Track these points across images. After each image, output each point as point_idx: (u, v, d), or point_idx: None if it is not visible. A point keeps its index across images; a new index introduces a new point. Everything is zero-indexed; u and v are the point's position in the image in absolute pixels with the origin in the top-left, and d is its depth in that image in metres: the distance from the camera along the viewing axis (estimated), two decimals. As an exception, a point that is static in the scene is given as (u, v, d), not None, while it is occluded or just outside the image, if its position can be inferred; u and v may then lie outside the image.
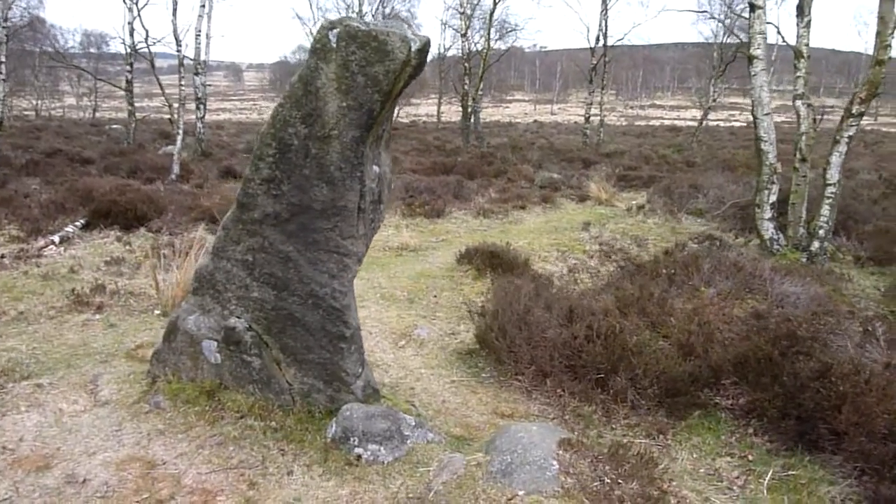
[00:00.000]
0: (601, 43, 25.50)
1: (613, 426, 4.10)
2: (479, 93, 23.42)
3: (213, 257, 3.74)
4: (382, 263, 8.42)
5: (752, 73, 7.89)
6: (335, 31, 3.02)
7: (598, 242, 9.60)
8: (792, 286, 5.50)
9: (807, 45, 8.06)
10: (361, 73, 3.00)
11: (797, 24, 8.11)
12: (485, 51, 22.94)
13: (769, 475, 3.44)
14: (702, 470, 3.62)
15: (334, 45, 3.03)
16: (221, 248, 3.68)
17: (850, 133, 7.32)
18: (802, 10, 8.09)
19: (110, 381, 4.21)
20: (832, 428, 3.27)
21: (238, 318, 3.77)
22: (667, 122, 60.23)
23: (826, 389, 3.30)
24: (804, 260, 7.35)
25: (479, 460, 3.41)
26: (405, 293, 7.03)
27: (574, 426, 4.13)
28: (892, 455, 2.98)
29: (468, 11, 24.99)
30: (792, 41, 8.29)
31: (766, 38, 7.79)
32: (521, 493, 3.13)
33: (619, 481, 3.23)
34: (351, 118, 3.09)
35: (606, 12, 24.90)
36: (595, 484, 3.21)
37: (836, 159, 7.37)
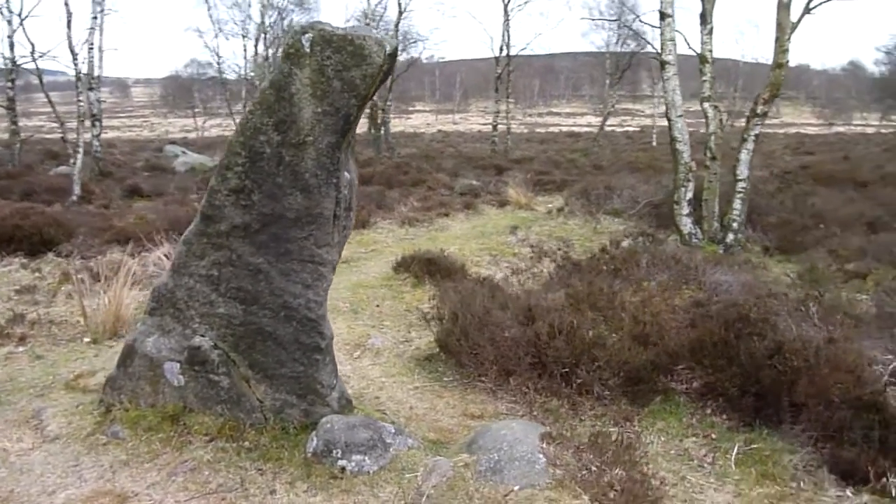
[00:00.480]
0: (504, 53, 26.20)
1: (581, 418, 4.22)
2: (388, 103, 23.45)
3: (174, 274, 3.56)
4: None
5: (665, 78, 8.40)
6: (308, 35, 2.97)
7: (527, 245, 9.86)
8: (723, 275, 5.88)
9: (710, 50, 8.67)
10: (337, 78, 2.97)
11: (701, 32, 8.72)
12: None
13: (735, 450, 3.66)
14: (672, 451, 3.80)
15: (307, 50, 2.98)
16: (183, 264, 3.51)
17: (756, 132, 7.95)
18: (705, 19, 8.70)
19: (56, 415, 3.90)
20: (790, 401, 3.53)
21: (202, 336, 3.60)
22: (564, 129, 62.30)
23: (782, 365, 3.56)
24: (721, 251, 7.88)
25: (465, 461, 3.42)
26: (347, 304, 6.92)
27: (544, 421, 4.21)
28: (848, 420, 3.25)
29: (373, 23, 24.99)
30: (696, 48, 8.90)
31: (675, 45, 8.34)
32: (515, 487, 3.18)
33: (605, 468, 3.34)
34: (326, 123, 3.04)
35: (508, 23, 25.66)
36: (583, 473, 3.30)
37: (744, 156, 7.96)
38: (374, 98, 23.46)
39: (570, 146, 34.57)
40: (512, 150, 27.97)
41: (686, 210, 8.51)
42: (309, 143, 3.06)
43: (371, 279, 8.02)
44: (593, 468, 3.34)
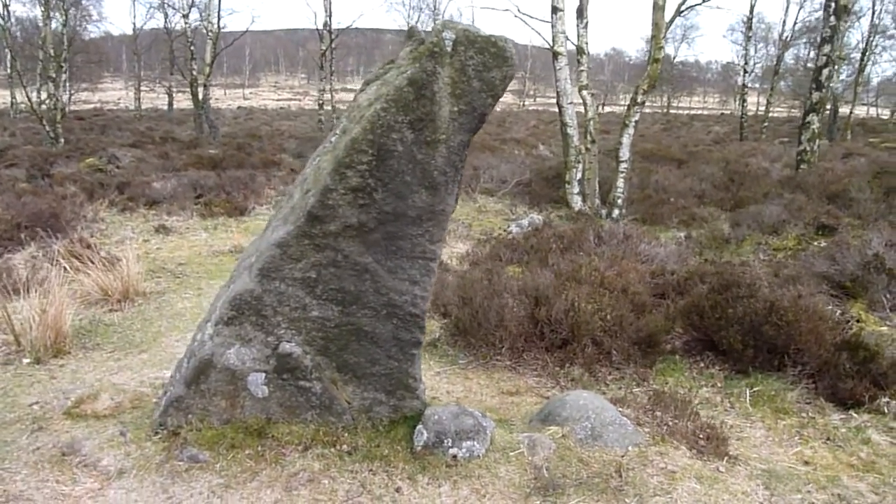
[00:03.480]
0: (327, 27, 25.67)
1: (606, 382, 4.70)
2: (209, 78, 21.85)
3: (261, 279, 3.33)
4: (230, 269, 7.77)
5: (557, 68, 9.13)
6: (450, 34, 2.98)
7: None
8: (649, 247, 6.71)
9: (587, 43, 9.56)
10: (478, 78, 3.02)
11: (577, 26, 9.56)
12: (214, 33, 21.40)
13: (746, 395, 4.38)
14: (696, 401, 4.42)
15: (449, 49, 2.99)
16: (275, 268, 3.31)
17: (636, 118, 9.00)
18: (582, 14, 9.55)
19: (101, 447, 3.46)
20: (788, 348, 4.32)
21: (288, 342, 3.44)
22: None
23: (779, 320, 4.33)
24: (608, 225, 8.87)
25: (560, 432, 3.71)
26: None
27: (571, 390, 4.63)
28: (844, 360, 4.10)
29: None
30: (572, 40, 9.77)
31: (566, 37, 9.08)
32: (619, 449, 3.55)
33: (677, 421, 3.85)
34: (461, 122, 3.08)
35: (330, -1, 25.14)
36: (664, 428, 3.78)
37: (626, 140, 8.99)
38: (194, 73, 21.78)
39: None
40: (337, 129, 27.62)
41: (577, 189, 9.40)
42: (442, 140, 3.08)
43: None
44: (669, 422, 3.83)
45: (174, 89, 34.58)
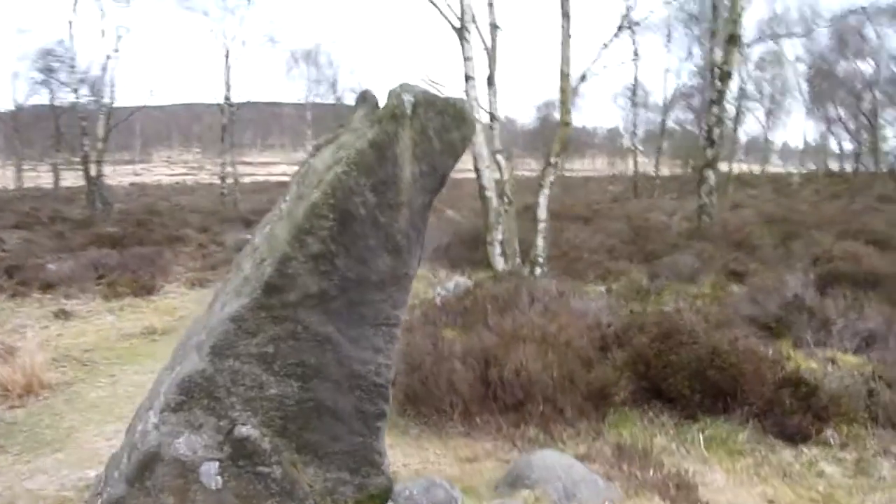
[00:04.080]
0: (227, 100, 25.40)
1: (563, 440, 4.64)
2: (103, 154, 20.87)
3: (213, 358, 3.08)
4: (146, 353, 7.23)
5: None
6: (409, 97, 2.97)
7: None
8: (579, 303, 6.86)
9: (496, 109, 9.95)
10: (438, 139, 3.01)
11: (489, 93, 9.95)
12: (107, 107, 20.61)
13: (700, 440, 4.46)
14: (654, 449, 4.45)
15: (409, 112, 2.97)
16: (228, 344, 3.07)
17: (551, 178, 9.35)
18: (491, 81, 9.97)
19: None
20: (733, 390, 4.46)
21: (243, 424, 3.17)
22: (261, 178, 61.01)
23: (723, 363, 4.48)
24: (540, 283, 9.04)
25: (533, 496, 3.60)
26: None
27: (533, 451, 4.54)
28: (787, 396, 4.27)
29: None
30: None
31: (479, 104, 9.39)
32: (597, 508, 3.48)
33: (643, 471, 3.84)
34: (423, 183, 3.04)
35: (230, 70, 25.00)
36: (634, 480, 3.75)
37: (542, 200, 9.29)
38: (86, 149, 20.82)
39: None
40: (241, 202, 27.05)
41: (498, 249, 9.56)
42: (404, 202, 3.02)
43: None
44: (637, 474, 3.81)
45: (60, 167, 32.76)
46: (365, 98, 3.28)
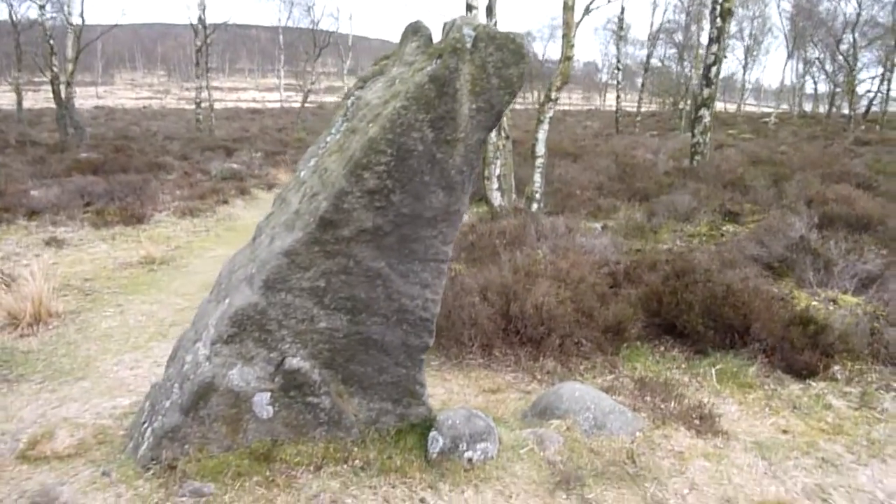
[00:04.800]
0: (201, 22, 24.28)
1: (580, 373, 4.81)
2: (72, 75, 19.91)
3: (265, 292, 3.09)
4: (148, 283, 7.17)
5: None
6: (468, 30, 2.90)
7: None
8: (584, 239, 6.96)
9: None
10: (497, 75, 2.96)
11: (488, 23, 9.68)
12: (78, 27, 19.53)
13: (713, 371, 4.66)
14: (670, 382, 4.64)
15: (470, 46, 2.91)
16: (281, 279, 3.08)
17: (551, 114, 9.27)
18: (491, 11, 9.71)
19: (85, 492, 3.07)
20: (748, 327, 4.64)
21: (293, 357, 3.22)
22: (230, 104, 59.27)
23: (738, 303, 4.64)
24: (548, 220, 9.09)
25: (564, 425, 3.75)
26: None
27: (548, 382, 4.71)
28: (797, 334, 4.46)
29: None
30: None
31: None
32: (625, 436, 3.65)
33: (665, 403, 4.02)
34: (479, 120, 3.01)
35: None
36: (659, 412, 3.93)
37: (541, 135, 9.24)
38: (55, 69, 19.85)
39: (272, 123, 33.65)
40: (216, 129, 26.33)
41: (496, 185, 9.54)
42: (461, 139, 2.99)
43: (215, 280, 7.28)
44: (661, 406, 3.99)
45: (23, 87, 31.22)
46: (417, 30, 3.20)
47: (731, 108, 57.12)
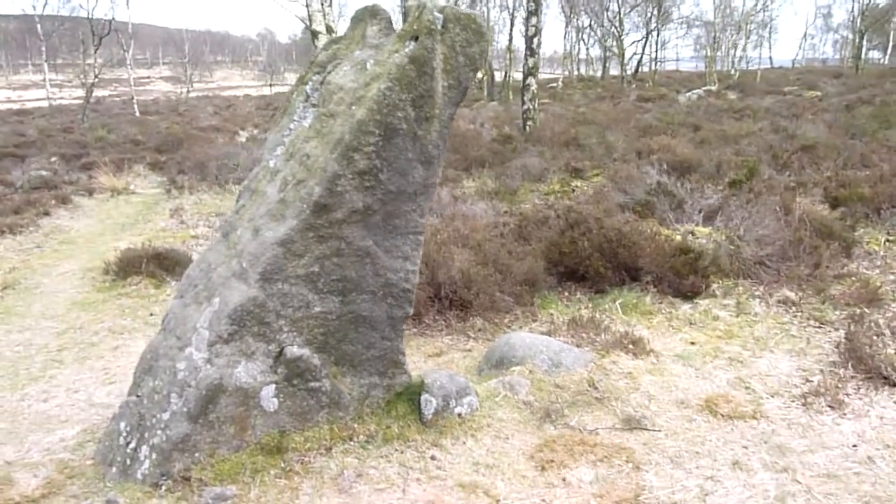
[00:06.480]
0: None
1: (507, 325, 5.24)
2: None
3: (263, 284, 3.06)
4: (3, 312, 6.34)
5: (318, 47, 9.07)
6: (436, 13, 3.07)
7: (206, 225, 9.37)
8: (466, 206, 7.41)
9: (333, 21, 9.69)
10: (462, 54, 3.16)
11: (322, 5, 9.62)
12: None
13: (617, 305, 5.34)
14: (585, 318, 5.23)
15: (440, 27, 3.08)
16: (277, 269, 3.07)
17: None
18: (327, -8, 9.67)
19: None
20: (637, 265, 5.37)
21: (291, 345, 3.24)
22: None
23: (629, 243, 5.35)
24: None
25: (526, 370, 4.15)
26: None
27: (483, 339, 5.08)
28: (680, 266, 5.26)
29: None
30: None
31: (326, 15, 9.03)
32: (580, 369, 4.14)
33: (600, 335, 4.59)
34: (450, 96, 3.20)
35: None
36: (597, 343, 4.48)
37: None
38: None
39: (47, 124, 29.72)
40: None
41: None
42: (436, 115, 3.17)
43: (84, 297, 6.67)
44: (597, 339, 4.54)
45: None
46: (376, 13, 3.30)
47: (518, 76, 61.41)
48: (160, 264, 6.96)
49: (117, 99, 51.53)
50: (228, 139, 19.50)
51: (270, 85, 70.80)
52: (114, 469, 3.15)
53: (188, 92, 58.55)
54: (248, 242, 3.16)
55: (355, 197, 3.11)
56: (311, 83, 3.38)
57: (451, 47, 3.14)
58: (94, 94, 29.52)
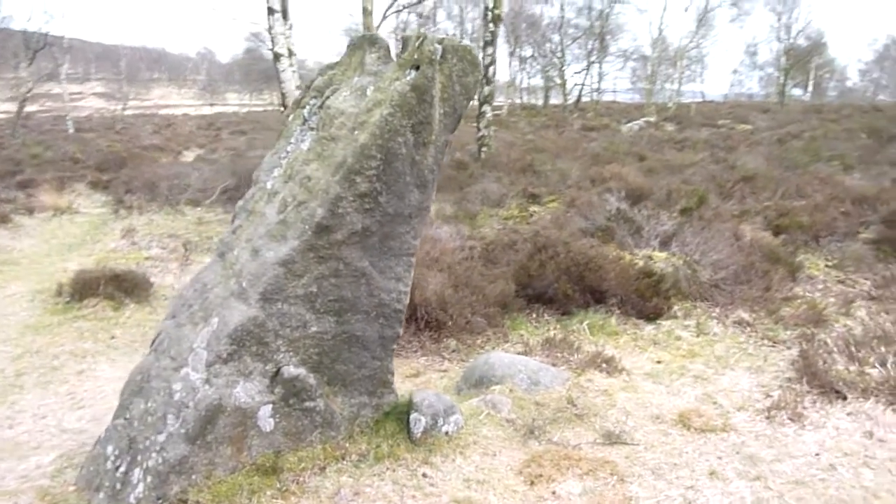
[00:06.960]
0: None
1: (480, 346, 5.36)
2: None
3: (263, 304, 3.09)
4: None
5: (281, 70, 9.08)
6: (437, 45, 3.21)
7: (158, 246, 9.15)
8: (432, 230, 7.53)
9: (293, 44, 9.74)
10: (459, 83, 3.31)
11: (283, 27, 9.65)
12: None
13: (584, 326, 5.54)
14: (558, 338, 5.41)
15: (439, 57, 3.22)
16: (277, 289, 3.11)
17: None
18: (286, 16, 9.69)
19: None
20: (602, 288, 5.59)
21: (286, 365, 3.27)
22: None
23: (595, 266, 5.57)
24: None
25: (506, 389, 4.27)
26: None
27: (458, 360, 5.18)
28: (644, 288, 5.52)
29: None
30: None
31: (287, 38, 9.04)
32: (558, 387, 4.29)
33: (573, 355, 4.76)
34: (446, 123, 3.33)
35: None
36: (572, 363, 4.64)
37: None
38: None
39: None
40: None
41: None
42: (433, 141, 3.29)
43: (36, 320, 6.43)
44: (571, 358, 4.71)
45: None
46: (375, 41, 3.42)
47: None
48: (119, 286, 6.77)
49: (47, 115, 49.48)
50: (173, 158, 19.11)
51: (211, 104, 69.54)
52: (101, 494, 3.08)
53: (124, 109, 56.73)
54: (247, 262, 3.19)
55: (356, 219, 3.19)
56: (308, 107, 3.46)
57: (449, 76, 3.28)
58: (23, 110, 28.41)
